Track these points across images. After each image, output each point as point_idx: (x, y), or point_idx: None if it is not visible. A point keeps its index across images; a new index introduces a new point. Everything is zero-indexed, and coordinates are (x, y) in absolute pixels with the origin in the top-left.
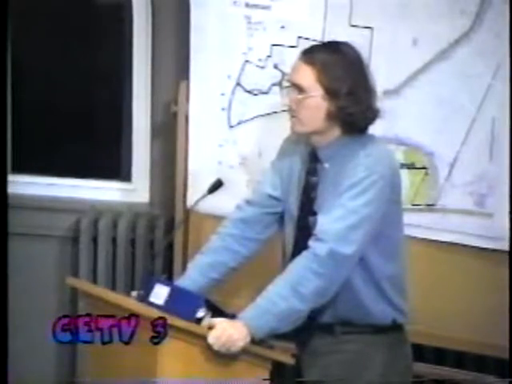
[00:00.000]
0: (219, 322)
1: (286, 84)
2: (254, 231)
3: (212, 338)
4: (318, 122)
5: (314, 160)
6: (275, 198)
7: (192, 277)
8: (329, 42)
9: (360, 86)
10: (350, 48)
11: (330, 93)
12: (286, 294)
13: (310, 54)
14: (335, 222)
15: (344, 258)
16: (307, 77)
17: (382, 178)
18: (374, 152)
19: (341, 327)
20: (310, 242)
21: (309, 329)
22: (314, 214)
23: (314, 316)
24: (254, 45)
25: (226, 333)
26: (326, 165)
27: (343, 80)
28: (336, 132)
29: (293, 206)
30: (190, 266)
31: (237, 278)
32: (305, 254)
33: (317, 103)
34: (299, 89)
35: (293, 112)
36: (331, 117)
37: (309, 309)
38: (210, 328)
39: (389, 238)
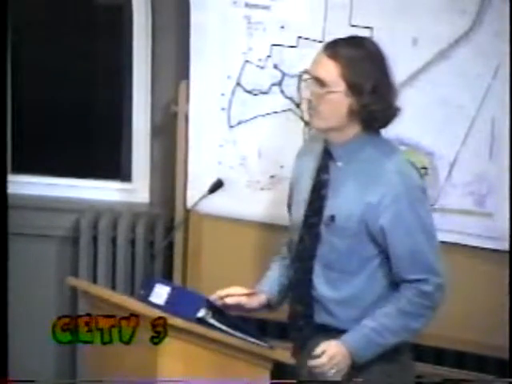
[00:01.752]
0: (328, 347)
1: (305, 77)
2: None
3: (319, 363)
4: (338, 118)
5: (326, 158)
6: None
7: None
8: (352, 37)
9: (383, 83)
10: (373, 44)
11: (354, 89)
12: (397, 329)
13: (334, 48)
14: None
15: (444, 286)
16: (330, 71)
17: (420, 188)
18: (398, 162)
19: (338, 328)
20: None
21: (306, 329)
22: (322, 212)
23: (311, 317)
24: (253, 45)
25: (334, 361)
26: (339, 163)
27: (367, 76)
28: (355, 129)
29: (300, 203)
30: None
31: (237, 277)
32: (413, 291)
33: (339, 99)
34: (321, 83)
35: (312, 106)
36: (352, 113)
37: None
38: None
39: None
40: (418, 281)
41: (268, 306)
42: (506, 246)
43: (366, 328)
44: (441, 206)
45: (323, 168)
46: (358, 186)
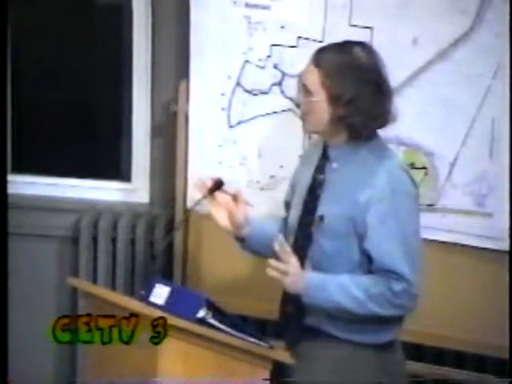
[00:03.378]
0: (294, 266)
1: (298, 80)
2: None
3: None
4: (323, 125)
5: (323, 158)
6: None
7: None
8: (343, 43)
9: (365, 94)
10: (365, 50)
11: (332, 99)
12: (354, 297)
13: (320, 55)
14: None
15: (414, 295)
16: (313, 80)
17: (405, 192)
18: (390, 166)
19: (327, 332)
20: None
21: (295, 331)
22: (315, 212)
23: (301, 318)
24: (253, 45)
25: (293, 277)
26: (335, 164)
27: (346, 87)
28: (343, 136)
29: (297, 204)
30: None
31: (237, 278)
32: (383, 280)
33: (321, 107)
34: (306, 90)
35: (301, 111)
36: (334, 122)
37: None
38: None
39: None
40: (388, 274)
41: (242, 238)
42: (506, 246)
43: (330, 277)
44: (441, 206)
45: (320, 169)
46: (349, 188)
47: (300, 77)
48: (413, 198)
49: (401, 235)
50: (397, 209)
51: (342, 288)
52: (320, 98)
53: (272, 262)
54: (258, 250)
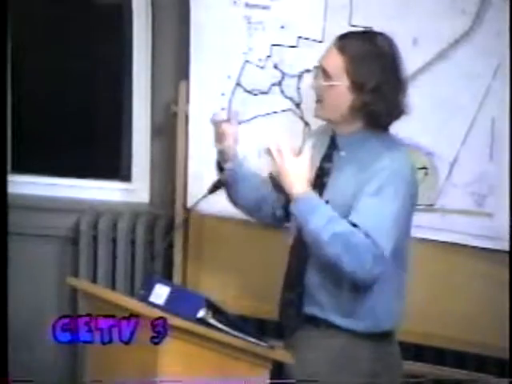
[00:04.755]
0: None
1: (316, 65)
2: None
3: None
4: (341, 112)
5: (331, 146)
6: None
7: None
8: (365, 31)
9: (388, 82)
10: (387, 40)
11: (356, 86)
12: (322, 225)
13: (344, 41)
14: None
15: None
16: (336, 65)
17: (403, 179)
18: (396, 155)
19: (326, 320)
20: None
21: (294, 319)
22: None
23: (300, 305)
24: (254, 45)
25: (293, 177)
26: (343, 153)
27: (371, 74)
28: (358, 124)
29: None
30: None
31: (237, 278)
32: (352, 227)
33: (341, 93)
34: (326, 75)
35: (318, 96)
36: (354, 109)
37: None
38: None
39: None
40: (358, 227)
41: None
42: (505, 246)
43: (325, 207)
44: (441, 205)
45: (327, 157)
46: (354, 175)
47: (319, 61)
48: (408, 188)
49: (383, 209)
50: (388, 190)
51: (328, 221)
52: (342, 84)
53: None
54: (242, 195)
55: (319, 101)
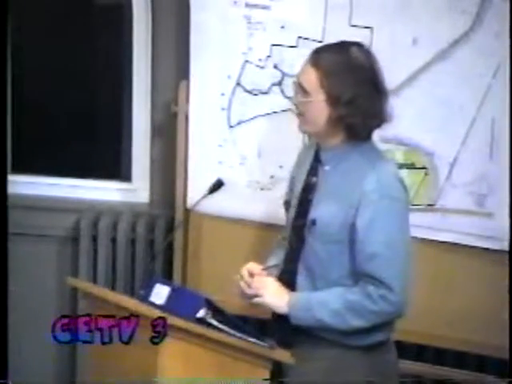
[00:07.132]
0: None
1: (294, 81)
2: None
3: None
4: (320, 126)
5: (316, 160)
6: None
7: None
8: (339, 43)
9: (364, 94)
10: (361, 51)
11: (332, 99)
12: (336, 312)
13: (317, 55)
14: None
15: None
16: (311, 80)
17: (393, 198)
18: (382, 171)
19: (317, 335)
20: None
21: (287, 331)
22: (308, 216)
23: (290, 322)
24: (254, 45)
25: (271, 299)
26: (327, 167)
27: (346, 87)
28: (339, 137)
29: (293, 206)
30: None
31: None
32: (361, 286)
33: (319, 107)
34: (304, 90)
35: (298, 111)
36: (333, 122)
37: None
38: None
39: None
40: (366, 279)
41: None
42: (505, 246)
43: (314, 295)
44: (441, 205)
45: (312, 171)
46: (340, 192)
47: (297, 77)
48: (402, 204)
49: (386, 240)
50: (383, 214)
51: (323, 304)
52: (318, 99)
53: (244, 287)
54: None
55: (300, 115)
